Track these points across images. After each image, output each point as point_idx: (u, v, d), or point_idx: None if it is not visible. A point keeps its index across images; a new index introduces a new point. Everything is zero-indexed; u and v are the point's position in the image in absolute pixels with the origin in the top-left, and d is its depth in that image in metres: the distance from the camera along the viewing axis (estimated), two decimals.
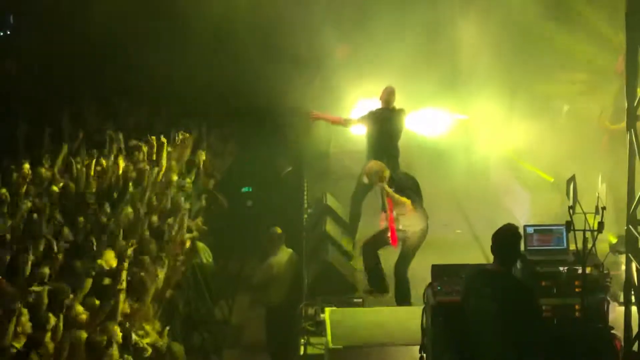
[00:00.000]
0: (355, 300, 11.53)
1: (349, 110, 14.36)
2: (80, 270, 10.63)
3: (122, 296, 10.38)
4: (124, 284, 10.69)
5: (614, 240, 10.90)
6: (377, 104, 13.16)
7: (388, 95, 13.03)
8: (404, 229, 11.09)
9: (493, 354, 7.64)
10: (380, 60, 16.68)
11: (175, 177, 14.80)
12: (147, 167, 14.14)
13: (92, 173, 13.85)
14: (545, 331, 8.04)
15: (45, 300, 9.88)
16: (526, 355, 7.59)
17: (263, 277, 12.71)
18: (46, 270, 10.29)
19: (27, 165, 13.36)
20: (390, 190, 11.08)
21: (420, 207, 11.21)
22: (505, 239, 7.86)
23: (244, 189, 16.92)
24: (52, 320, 9.39)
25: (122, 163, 14.28)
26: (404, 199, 11.02)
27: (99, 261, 11.01)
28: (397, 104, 13.19)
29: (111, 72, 20.80)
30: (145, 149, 15.18)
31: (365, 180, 12.25)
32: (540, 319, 7.96)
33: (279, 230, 12.96)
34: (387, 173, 11.26)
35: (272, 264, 12.70)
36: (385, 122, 12.97)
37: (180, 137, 16.18)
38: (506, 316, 7.59)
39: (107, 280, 10.88)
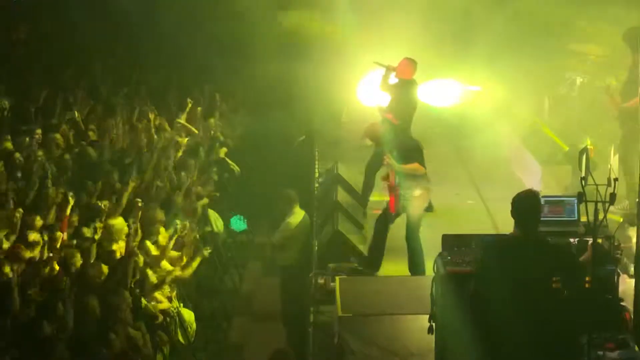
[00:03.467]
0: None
1: (359, 78, 14.36)
2: (89, 235, 10.70)
3: (132, 263, 10.44)
4: (135, 251, 10.76)
5: None
6: (402, 74, 12.95)
7: (413, 67, 12.91)
8: (405, 194, 11.02)
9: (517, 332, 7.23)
10: (391, 29, 16.64)
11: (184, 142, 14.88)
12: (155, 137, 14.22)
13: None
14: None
15: (57, 267, 9.97)
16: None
17: (282, 237, 12.85)
18: (58, 235, 10.35)
19: (39, 131, 13.41)
20: (398, 165, 11.02)
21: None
22: (527, 200, 7.40)
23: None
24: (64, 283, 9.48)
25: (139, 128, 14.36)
26: (411, 166, 10.97)
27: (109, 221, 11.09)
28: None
29: (123, 39, 20.75)
30: (152, 116, 15.23)
31: (368, 142, 12.27)
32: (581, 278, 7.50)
33: (293, 192, 13.11)
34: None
35: (289, 224, 12.84)
36: (410, 93, 12.89)
37: (190, 105, 16.19)
38: (535, 286, 7.23)
39: (115, 246, 10.97)
